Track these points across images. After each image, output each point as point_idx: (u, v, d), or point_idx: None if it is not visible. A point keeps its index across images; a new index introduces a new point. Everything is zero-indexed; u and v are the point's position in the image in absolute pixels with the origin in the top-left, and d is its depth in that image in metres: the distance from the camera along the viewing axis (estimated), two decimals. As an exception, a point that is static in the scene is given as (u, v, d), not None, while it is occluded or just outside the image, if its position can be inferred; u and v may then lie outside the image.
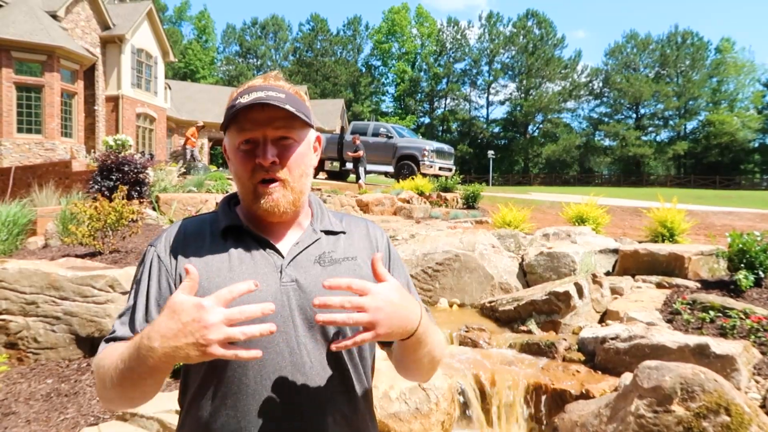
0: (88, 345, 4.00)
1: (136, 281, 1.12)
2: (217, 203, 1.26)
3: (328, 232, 1.18)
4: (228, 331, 0.86)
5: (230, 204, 1.20)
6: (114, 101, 23.49)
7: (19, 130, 18.71)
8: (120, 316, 1.11)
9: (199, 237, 1.13)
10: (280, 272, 1.08)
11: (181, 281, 1.04)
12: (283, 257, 1.10)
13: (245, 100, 1.05)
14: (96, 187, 9.00)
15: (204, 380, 1.06)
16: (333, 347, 0.97)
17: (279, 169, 1.08)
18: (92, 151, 18.52)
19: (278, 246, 1.12)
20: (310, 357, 1.06)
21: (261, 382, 1.03)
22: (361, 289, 0.94)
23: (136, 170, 9.34)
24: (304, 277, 1.09)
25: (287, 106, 1.05)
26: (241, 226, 1.12)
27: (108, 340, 1.08)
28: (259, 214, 1.11)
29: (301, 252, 1.12)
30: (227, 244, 1.11)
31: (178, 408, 1.16)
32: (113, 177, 9.09)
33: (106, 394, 1.02)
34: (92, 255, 5.75)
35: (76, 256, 5.68)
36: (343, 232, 1.20)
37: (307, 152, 1.14)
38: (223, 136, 1.17)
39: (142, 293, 1.09)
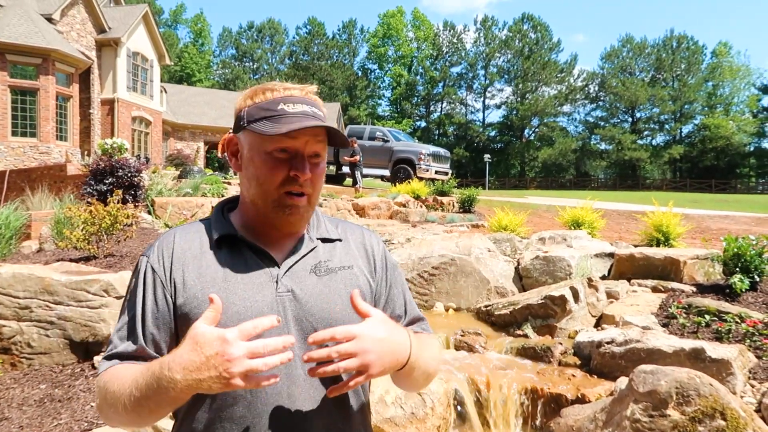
0: (82, 350, 3.97)
1: (131, 292, 1.10)
2: (212, 208, 1.23)
3: (324, 240, 1.17)
4: (251, 364, 0.86)
5: (224, 211, 1.18)
6: (109, 104, 23.43)
7: (14, 134, 18.64)
8: (117, 330, 1.09)
9: (192, 246, 1.10)
10: (276, 282, 1.07)
11: (174, 294, 1.05)
12: (278, 267, 1.09)
13: (291, 108, 1.06)
14: (89, 190, 8.97)
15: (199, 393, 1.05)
16: (329, 394, 0.99)
17: (309, 185, 1.08)
18: (86, 155, 18.45)
19: (274, 255, 1.10)
20: (305, 369, 1.03)
21: (256, 395, 1.02)
22: (346, 335, 0.94)
23: (130, 174, 9.31)
24: (300, 287, 1.08)
25: (331, 127, 1.09)
26: (235, 236, 1.10)
27: (109, 357, 1.06)
28: (277, 223, 1.10)
29: (297, 262, 1.11)
30: (222, 253, 1.09)
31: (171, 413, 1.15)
32: (107, 181, 9.06)
33: (117, 417, 1.01)
34: (87, 259, 5.72)
35: (71, 260, 5.65)
36: (340, 240, 1.19)
37: (326, 170, 1.17)
38: (233, 133, 1.15)
39: (138, 305, 1.07)
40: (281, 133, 1.02)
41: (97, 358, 3.89)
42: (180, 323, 1.05)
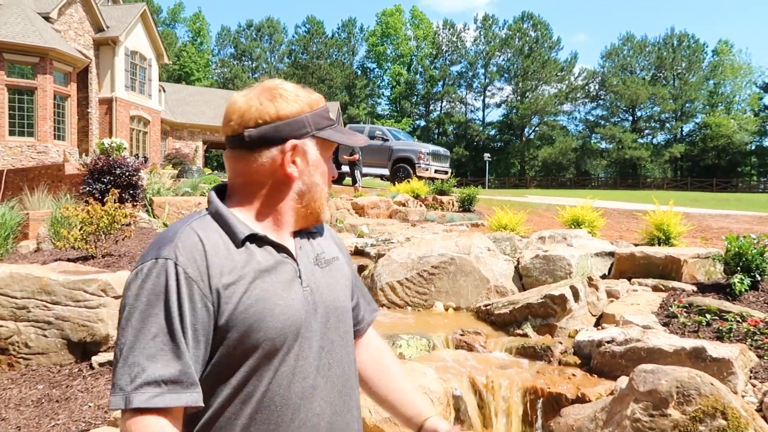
0: (80, 350, 3.96)
1: (163, 302, 0.94)
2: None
3: (309, 233, 1.20)
4: None
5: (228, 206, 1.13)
6: (108, 104, 23.39)
7: (11, 133, 18.60)
8: (144, 348, 0.92)
9: (219, 247, 1.02)
10: (300, 278, 1.09)
11: (218, 302, 0.97)
12: (296, 262, 1.11)
13: (336, 121, 1.18)
14: (87, 190, 8.95)
15: (232, 393, 1.00)
16: None
17: None
18: (84, 154, 18.43)
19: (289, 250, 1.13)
20: (329, 358, 1.10)
21: (293, 390, 1.05)
22: None
23: (128, 173, 9.29)
24: (312, 279, 1.12)
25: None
26: (256, 234, 1.07)
27: (139, 385, 0.90)
28: (316, 222, 1.18)
29: (303, 255, 1.14)
30: (249, 252, 1.05)
31: None
32: (105, 180, 9.04)
33: None
34: (85, 259, 5.70)
35: (68, 260, 5.63)
36: (319, 233, 1.24)
37: None
38: (298, 140, 1.09)
39: (175, 319, 0.94)
40: (360, 144, 1.20)
41: (95, 359, 3.87)
42: (222, 332, 0.99)
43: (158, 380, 0.91)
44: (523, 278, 5.57)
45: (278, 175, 1.09)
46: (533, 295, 4.61)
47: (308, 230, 1.19)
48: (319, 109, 1.13)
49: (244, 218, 1.09)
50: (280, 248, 1.09)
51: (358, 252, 6.88)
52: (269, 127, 1.06)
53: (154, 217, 8.93)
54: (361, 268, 5.84)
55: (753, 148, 55.49)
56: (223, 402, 1.00)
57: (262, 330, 1.00)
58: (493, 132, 64.90)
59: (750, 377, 3.23)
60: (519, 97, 61.89)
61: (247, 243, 1.05)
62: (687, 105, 57.10)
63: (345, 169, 17.60)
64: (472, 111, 67.11)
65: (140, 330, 0.93)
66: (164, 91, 29.88)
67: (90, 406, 3.31)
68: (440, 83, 65.19)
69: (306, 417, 1.04)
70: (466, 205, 13.15)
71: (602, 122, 59.92)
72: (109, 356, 3.86)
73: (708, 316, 4.00)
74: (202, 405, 0.96)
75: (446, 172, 18.39)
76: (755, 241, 4.64)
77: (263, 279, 1.03)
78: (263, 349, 1.00)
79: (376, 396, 1.32)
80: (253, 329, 0.99)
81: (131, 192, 9.24)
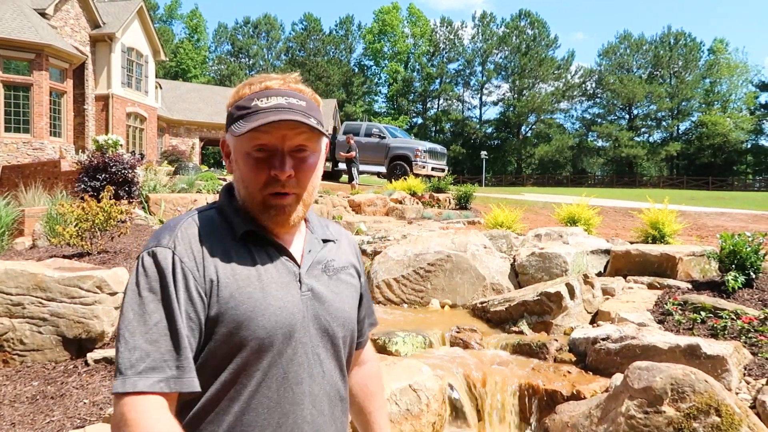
0: (76, 346, 3.95)
1: (161, 287, 0.95)
2: (207, 204, 1.18)
3: (325, 240, 1.17)
4: None
5: (235, 202, 1.11)
6: (104, 100, 23.31)
7: (7, 129, 18.52)
8: (145, 333, 0.92)
9: (217, 241, 1.03)
10: (300, 282, 1.06)
11: (210, 293, 0.98)
12: (298, 265, 1.08)
13: (264, 103, 1.01)
14: (82, 186, 8.92)
15: (219, 392, 1.00)
16: None
17: (294, 183, 1.03)
18: (81, 151, 18.35)
19: (292, 253, 1.09)
20: (323, 366, 1.07)
21: (284, 395, 1.02)
22: None
23: (124, 170, 9.27)
24: (318, 285, 1.09)
25: (311, 121, 1.01)
26: (256, 232, 1.06)
27: (140, 372, 0.90)
28: (266, 224, 1.06)
29: (313, 261, 1.11)
30: (248, 249, 1.05)
31: None
32: (100, 177, 9.01)
33: None
34: (80, 256, 5.68)
35: (64, 256, 5.61)
36: (334, 241, 1.20)
37: (320, 164, 1.11)
38: (225, 134, 1.11)
39: (174, 305, 0.94)
40: (243, 132, 0.98)
41: (90, 355, 3.86)
42: (211, 324, 0.98)
43: (156, 366, 0.91)
44: (519, 276, 5.58)
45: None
46: (529, 293, 4.62)
47: (324, 236, 1.18)
48: (241, 100, 1.04)
49: (247, 215, 1.09)
50: (281, 249, 1.07)
51: (355, 249, 6.86)
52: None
53: (150, 214, 8.90)
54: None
55: (749, 146, 55.64)
56: (211, 397, 0.99)
57: (250, 328, 0.98)
58: (490, 130, 64.92)
59: (744, 374, 3.24)
60: (516, 95, 61.90)
61: (247, 240, 1.05)
62: (683, 103, 57.21)
63: (342, 166, 17.59)
64: (469, 109, 67.19)
65: (141, 315, 0.94)
66: (161, 87, 29.78)
67: (85, 403, 3.31)
68: (437, 81, 65.16)
69: (294, 423, 1.02)
70: (462, 203, 13.16)
71: (599, 120, 59.99)
72: (104, 353, 3.85)
73: (703, 313, 4.02)
74: (199, 390, 0.95)
75: (443, 170, 18.39)
76: (750, 239, 4.66)
77: (258, 277, 1.02)
78: (251, 347, 0.98)
79: (355, 420, 1.33)
80: (241, 326, 0.98)
81: (127, 189, 9.22)
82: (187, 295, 0.96)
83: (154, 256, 0.98)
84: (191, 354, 0.95)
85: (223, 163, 1.18)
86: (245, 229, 1.05)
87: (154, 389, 0.89)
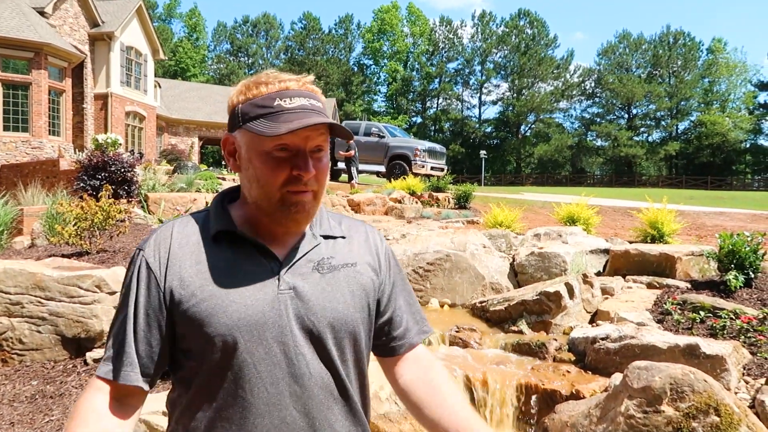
0: (75, 346, 3.95)
1: (126, 287, 1.07)
2: (207, 202, 1.17)
3: (327, 237, 1.14)
4: None
5: (224, 203, 1.13)
6: (103, 99, 23.29)
7: (6, 128, 18.51)
8: (112, 328, 1.07)
9: (190, 240, 1.06)
10: (278, 280, 1.04)
11: (171, 292, 1.02)
12: (280, 263, 1.06)
13: (288, 104, 1.01)
14: (81, 185, 8.91)
15: (198, 391, 1.03)
16: None
17: (314, 182, 1.04)
18: (79, 150, 18.34)
19: (276, 252, 1.06)
20: (309, 367, 1.03)
21: (258, 395, 1.00)
22: None
23: (123, 169, 9.26)
24: (303, 284, 1.05)
25: (334, 123, 1.03)
26: (234, 231, 1.06)
27: (106, 360, 1.05)
28: (283, 221, 1.05)
29: (299, 258, 1.08)
30: (221, 249, 1.05)
31: (165, 410, 1.13)
32: (99, 176, 9.00)
33: None
34: (79, 255, 5.68)
35: (63, 255, 5.61)
36: (343, 237, 1.16)
37: (329, 162, 1.14)
38: (231, 132, 1.08)
39: (131, 302, 1.04)
40: (281, 133, 0.97)
41: (90, 354, 3.86)
42: (177, 321, 1.02)
43: (111, 356, 1.04)
44: (518, 275, 5.58)
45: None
46: (528, 292, 4.62)
47: (328, 232, 1.14)
48: (259, 98, 1.03)
49: (237, 215, 1.09)
50: (258, 247, 1.06)
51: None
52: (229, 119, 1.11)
53: (149, 213, 8.90)
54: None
55: (748, 146, 55.71)
56: (192, 395, 1.04)
57: (212, 325, 0.99)
58: (489, 129, 64.92)
59: (743, 374, 3.25)
60: (515, 95, 61.90)
61: (224, 240, 1.06)
62: (682, 103, 57.26)
63: (341, 165, 17.58)
64: (468, 108, 67.16)
65: (117, 311, 1.07)
66: (160, 86, 29.76)
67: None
68: (437, 80, 65.14)
69: (272, 424, 1.00)
70: (461, 202, 13.16)
71: (598, 120, 60.00)
72: (103, 352, 3.85)
73: (702, 313, 4.02)
74: (141, 386, 1.03)
75: (442, 169, 18.39)
76: (749, 239, 4.66)
77: (227, 275, 1.02)
78: (216, 345, 0.99)
79: (426, 420, 1.12)
80: (204, 323, 0.99)
81: (126, 188, 9.21)
82: (147, 292, 1.03)
83: (133, 257, 1.08)
84: (142, 348, 1.03)
85: (223, 162, 1.14)
86: (218, 228, 1.06)
87: (101, 375, 1.04)
